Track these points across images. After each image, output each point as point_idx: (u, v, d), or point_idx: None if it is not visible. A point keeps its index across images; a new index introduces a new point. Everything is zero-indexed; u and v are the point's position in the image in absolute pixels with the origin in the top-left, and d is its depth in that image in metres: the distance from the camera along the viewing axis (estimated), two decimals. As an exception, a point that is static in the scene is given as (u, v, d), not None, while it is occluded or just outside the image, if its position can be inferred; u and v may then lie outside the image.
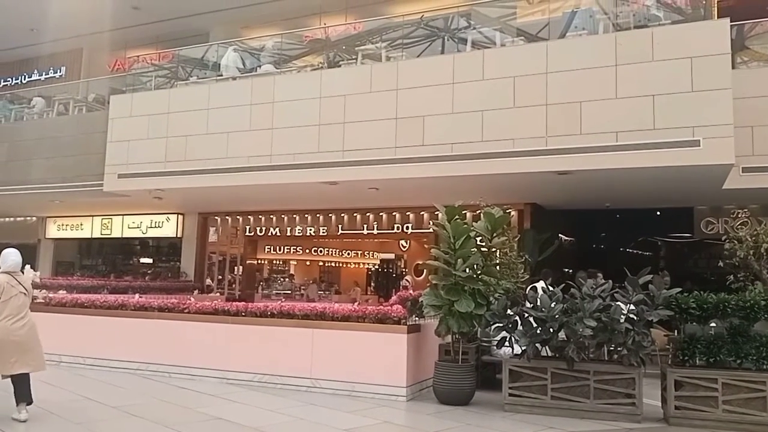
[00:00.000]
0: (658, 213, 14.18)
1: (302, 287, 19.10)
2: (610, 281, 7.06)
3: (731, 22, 8.74)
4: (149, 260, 18.48)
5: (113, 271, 17.58)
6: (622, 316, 6.56)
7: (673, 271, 11.68)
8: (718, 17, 9.37)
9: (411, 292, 10.13)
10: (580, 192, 10.94)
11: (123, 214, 16.80)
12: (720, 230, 11.99)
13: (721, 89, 8.23)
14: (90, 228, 17.51)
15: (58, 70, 19.42)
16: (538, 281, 8.79)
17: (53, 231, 18.32)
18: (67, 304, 9.86)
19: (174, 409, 6.95)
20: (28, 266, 12.86)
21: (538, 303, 6.95)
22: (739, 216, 7.87)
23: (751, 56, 10.41)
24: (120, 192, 12.75)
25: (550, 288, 7.50)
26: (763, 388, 6.23)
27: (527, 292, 7.59)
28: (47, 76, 19.50)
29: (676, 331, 7.13)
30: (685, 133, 8.31)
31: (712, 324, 6.78)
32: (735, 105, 8.25)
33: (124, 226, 16.97)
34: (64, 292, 11.57)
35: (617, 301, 6.71)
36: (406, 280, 14.14)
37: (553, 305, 6.84)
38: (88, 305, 9.61)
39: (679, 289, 6.75)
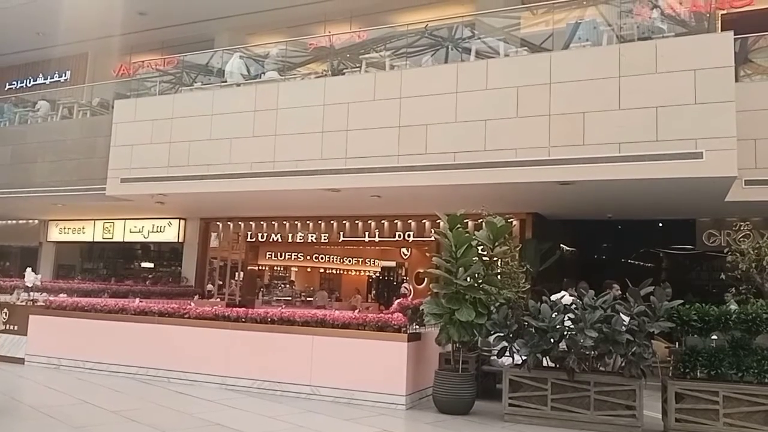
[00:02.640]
0: (660, 224, 14.17)
1: (303, 293, 19.08)
2: (612, 292, 7.04)
3: (735, 35, 8.77)
4: (150, 265, 18.47)
5: (114, 275, 17.56)
6: (623, 327, 6.54)
7: (674, 282, 11.68)
8: (721, 30, 9.38)
9: (409, 299, 10.11)
10: (582, 202, 10.94)
11: (125, 219, 16.81)
12: (722, 243, 11.98)
13: (724, 102, 8.24)
14: (92, 232, 17.53)
15: (63, 74, 19.52)
16: (558, 291, 8.58)
17: (55, 234, 18.34)
18: (68, 307, 9.84)
19: (172, 415, 6.93)
20: (29, 269, 12.86)
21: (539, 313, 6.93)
22: (742, 228, 7.85)
23: (755, 69, 10.43)
24: (122, 196, 12.77)
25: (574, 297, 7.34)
26: (765, 401, 6.21)
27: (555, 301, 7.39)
28: (52, 79, 19.60)
29: (677, 343, 7.10)
30: (688, 145, 8.31)
31: (714, 336, 6.76)
32: (738, 118, 8.25)
33: (125, 231, 16.99)
34: (65, 295, 11.57)
35: (619, 312, 6.69)
36: (404, 287, 14.11)
37: (554, 315, 6.83)
38: (88, 309, 9.60)
39: (681, 301, 6.74)
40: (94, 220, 17.34)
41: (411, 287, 15.68)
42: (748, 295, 7.12)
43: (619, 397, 6.64)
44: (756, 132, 9.19)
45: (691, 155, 8.28)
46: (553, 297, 7.51)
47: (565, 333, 6.77)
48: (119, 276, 17.40)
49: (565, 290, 8.64)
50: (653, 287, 6.84)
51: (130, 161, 12.30)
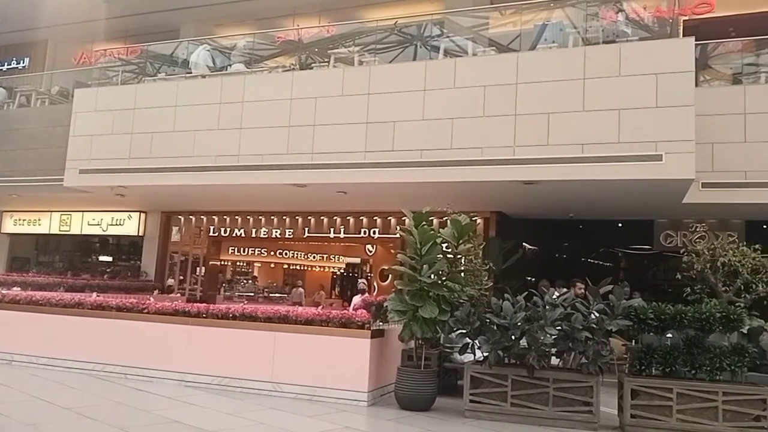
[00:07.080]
0: (620, 225, 14.46)
1: (266, 289, 18.90)
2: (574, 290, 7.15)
3: (696, 41, 8.99)
4: (109, 258, 18.06)
5: (71, 269, 17.10)
6: (581, 325, 6.66)
7: (632, 282, 11.95)
8: (683, 36, 9.61)
9: (367, 295, 10.10)
10: (544, 202, 11.10)
11: (83, 211, 16.39)
12: (679, 243, 12.31)
13: (684, 106, 8.45)
14: (48, 223, 17.04)
15: (21, 61, 18.92)
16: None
17: (9, 226, 17.77)
18: (21, 301, 9.55)
19: (130, 411, 6.79)
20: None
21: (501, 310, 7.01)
22: (698, 230, 8.03)
23: (714, 75, 10.73)
24: (81, 188, 12.44)
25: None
26: (716, 398, 6.39)
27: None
28: (9, 66, 18.99)
29: (633, 341, 7.26)
30: (648, 148, 8.50)
31: (669, 335, 6.93)
32: (697, 122, 8.48)
33: (83, 223, 16.55)
34: (19, 288, 11.24)
35: (578, 310, 6.81)
36: (362, 282, 14.10)
37: (515, 313, 6.91)
38: (43, 303, 9.34)
39: (639, 300, 6.88)
40: (51, 211, 16.86)
41: (366, 282, 15.68)
42: (702, 295, 7.31)
43: (577, 393, 6.76)
44: (714, 136, 9.46)
45: (651, 157, 8.47)
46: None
47: (526, 328, 6.85)
48: (76, 269, 16.95)
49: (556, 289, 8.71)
50: (612, 286, 6.98)
51: (90, 152, 11.99)
